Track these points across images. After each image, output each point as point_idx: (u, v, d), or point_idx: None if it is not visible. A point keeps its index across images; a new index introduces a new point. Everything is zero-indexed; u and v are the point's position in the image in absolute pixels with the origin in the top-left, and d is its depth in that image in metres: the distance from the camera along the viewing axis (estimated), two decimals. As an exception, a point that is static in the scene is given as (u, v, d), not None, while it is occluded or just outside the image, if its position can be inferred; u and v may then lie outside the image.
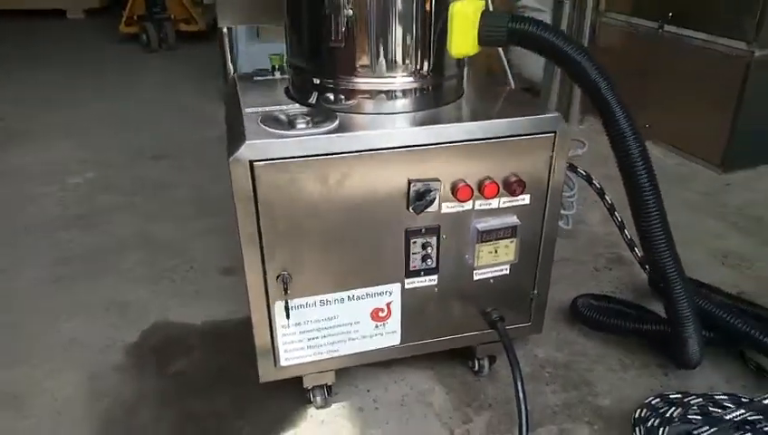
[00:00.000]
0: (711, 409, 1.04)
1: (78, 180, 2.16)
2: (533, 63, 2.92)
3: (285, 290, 0.97)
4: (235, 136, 0.91)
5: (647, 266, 1.47)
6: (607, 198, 1.48)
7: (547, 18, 2.69)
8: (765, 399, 0.98)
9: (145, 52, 4.07)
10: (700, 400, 1.07)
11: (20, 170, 2.28)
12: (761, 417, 0.98)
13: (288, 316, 1.00)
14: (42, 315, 1.44)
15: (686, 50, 2.27)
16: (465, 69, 1.10)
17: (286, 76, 1.15)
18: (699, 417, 1.03)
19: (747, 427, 0.99)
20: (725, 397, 1.05)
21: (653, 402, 1.07)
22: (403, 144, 0.94)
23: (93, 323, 1.41)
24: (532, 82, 3.18)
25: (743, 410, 0.97)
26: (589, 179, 1.49)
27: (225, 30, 1.23)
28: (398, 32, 0.95)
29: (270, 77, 1.18)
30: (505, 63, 1.23)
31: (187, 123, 2.77)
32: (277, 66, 1.19)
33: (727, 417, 0.98)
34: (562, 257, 1.60)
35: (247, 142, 0.87)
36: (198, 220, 1.86)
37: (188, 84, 3.39)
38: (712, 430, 0.96)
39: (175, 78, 3.55)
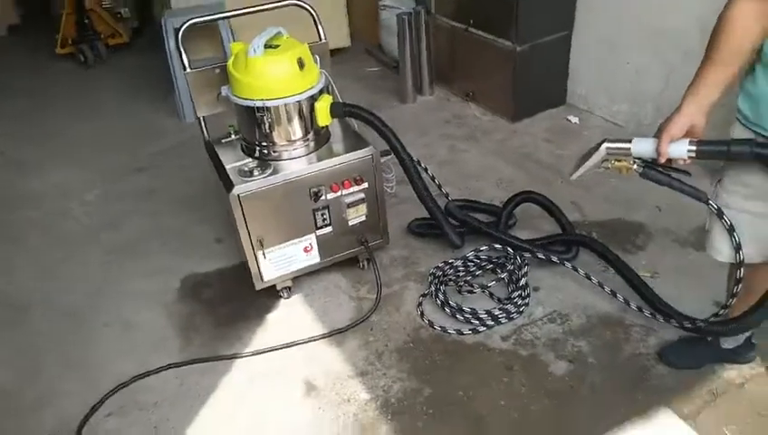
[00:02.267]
0: (462, 265, 2.31)
1: (91, 196, 3.15)
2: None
3: (261, 245, 2.12)
4: (228, 183, 2.02)
5: (446, 194, 2.70)
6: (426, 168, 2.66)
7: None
8: (470, 253, 2.26)
9: (83, 69, 4.85)
10: (461, 262, 2.33)
11: (44, 193, 3.23)
12: (460, 265, 2.27)
13: (264, 257, 2.15)
14: (116, 281, 2.52)
15: (484, 44, 3.44)
16: (330, 127, 2.24)
17: (238, 137, 2.24)
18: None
19: (460, 271, 2.28)
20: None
21: (439, 265, 2.32)
22: (305, 173, 2.08)
23: (150, 282, 2.50)
24: (397, 60, 4.26)
25: (460, 261, 2.25)
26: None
27: (202, 117, 2.28)
28: (294, 121, 2.08)
29: (230, 139, 2.27)
30: (355, 126, 2.32)
31: (146, 136, 3.73)
32: (233, 131, 2.28)
33: (455, 264, 2.26)
34: (407, 199, 2.78)
35: (235, 187, 1.99)
36: (187, 213, 2.91)
37: (133, 97, 4.29)
38: (448, 269, 2.25)
39: (119, 92, 4.42)
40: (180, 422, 1.90)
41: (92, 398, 1.99)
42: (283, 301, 2.33)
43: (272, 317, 2.27)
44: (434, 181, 2.73)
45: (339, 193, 2.16)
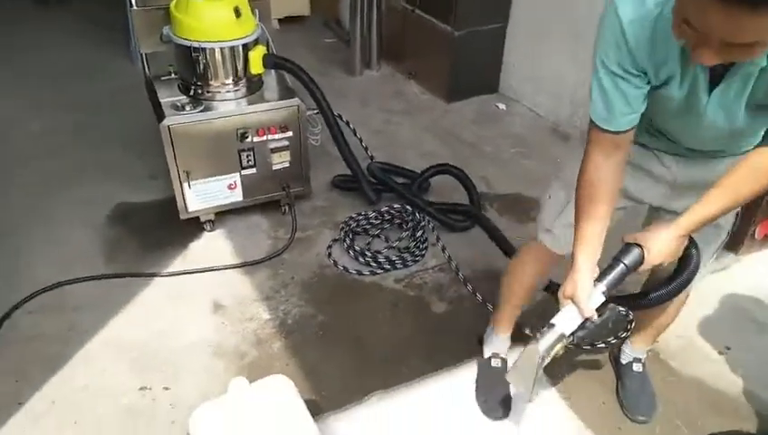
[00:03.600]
0: (374, 217, 2.56)
1: (36, 126, 3.26)
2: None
3: (188, 176, 2.32)
4: (160, 115, 2.21)
5: (371, 157, 2.94)
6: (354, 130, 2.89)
7: None
8: (378, 210, 2.51)
9: (42, 6, 4.88)
10: (373, 215, 2.58)
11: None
12: (372, 217, 2.53)
13: (190, 188, 2.35)
14: (49, 205, 2.67)
15: (427, 26, 3.69)
16: (265, 78, 2.44)
17: (176, 76, 2.42)
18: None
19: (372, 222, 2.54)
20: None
21: (352, 216, 2.57)
22: (233, 114, 2.29)
23: (82, 207, 2.66)
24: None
25: (373, 215, 2.51)
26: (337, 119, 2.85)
27: (144, 53, 2.45)
28: (228, 66, 2.28)
29: (169, 77, 2.44)
30: (289, 82, 2.53)
31: (98, 74, 3.84)
32: (173, 70, 2.45)
33: (369, 216, 2.51)
34: (337, 157, 3.01)
35: (167, 118, 2.18)
36: (127, 149, 3.06)
37: (90, 38, 4.37)
38: (361, 219, 2.50)
39: (77, 32, 4.48)
40: (94, 326, 2.09)
41: (15, 299, 2.16)
42: (206, 233, 2.53)
43: (193, 246, 2.47)
44: (361, 144, 2.96)
45: (264, 137, 2.38)
